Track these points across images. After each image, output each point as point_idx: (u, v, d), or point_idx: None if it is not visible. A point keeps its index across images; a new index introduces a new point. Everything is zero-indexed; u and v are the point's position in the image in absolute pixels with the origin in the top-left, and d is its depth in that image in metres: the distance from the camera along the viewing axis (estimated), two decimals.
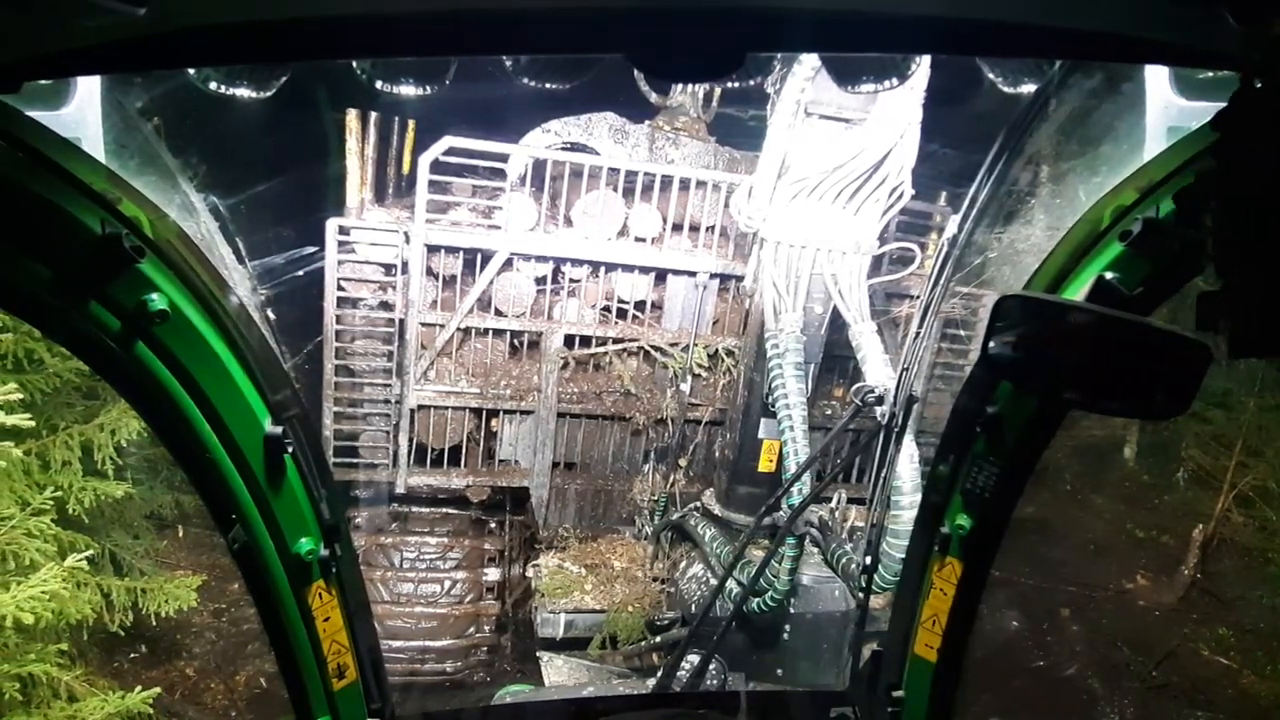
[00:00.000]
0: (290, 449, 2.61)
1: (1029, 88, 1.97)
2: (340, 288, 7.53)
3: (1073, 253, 2.39)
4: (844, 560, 5.86)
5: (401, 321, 7.66)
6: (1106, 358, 2.05)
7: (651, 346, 8.21)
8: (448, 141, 7.05)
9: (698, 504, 7.98)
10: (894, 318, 7.91)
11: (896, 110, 5.87)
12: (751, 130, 7.73)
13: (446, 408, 8.00)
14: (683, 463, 8.48)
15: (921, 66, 4.39)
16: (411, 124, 8.07)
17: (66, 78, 1.92)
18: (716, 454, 8.29)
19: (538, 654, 7.83)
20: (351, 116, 7.29)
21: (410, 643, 8.46)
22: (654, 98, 8.02)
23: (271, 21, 1.47)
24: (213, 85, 1.76)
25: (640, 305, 8.13)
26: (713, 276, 8.01)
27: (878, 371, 6.16)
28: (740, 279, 7.84)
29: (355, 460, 8.03)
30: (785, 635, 6.76)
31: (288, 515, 2.68)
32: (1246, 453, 12.02)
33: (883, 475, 3.26)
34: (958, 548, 2.93)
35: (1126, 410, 2.38)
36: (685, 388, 8.21)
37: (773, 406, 6.61)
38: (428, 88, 1.87)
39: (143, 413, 2.47)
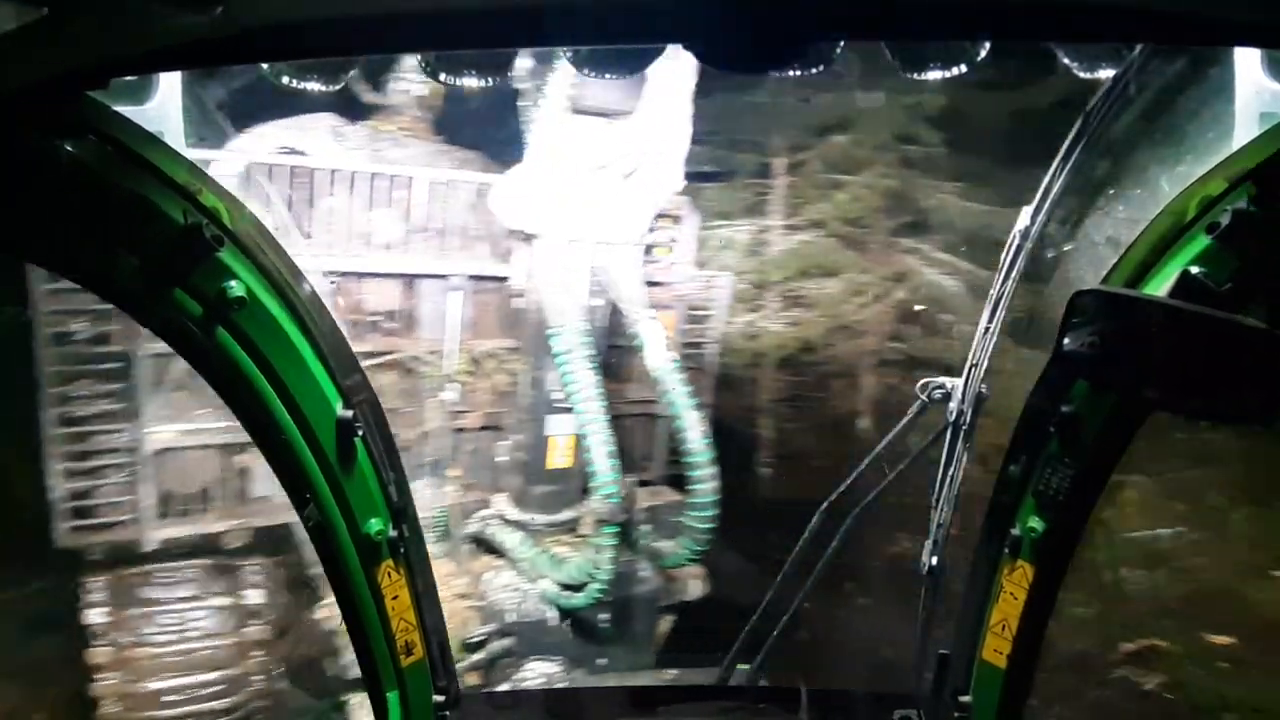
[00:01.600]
0: (361, 432, 2.70)
1: (1107, 73, 1.88)
2: (48, 323, 6.38)
3: (1155, 246, 2.28)
4: (643, 541, 5.83)
5: (127, 354, 6.69)
6: (1192, 356, 1.96)
7: (409, 357, 7.62)
8: None
9: (491, 512, 7.73)
10: (654, 304, 7.63)
11: (663, 103, 5.89)
12: (483, 127, 7.45)
13: (191, 447, 7.07)
14: (453, 473, 7.98)
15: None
16: None
17: (149, 74, 2.02)
18: (505, 458, 7.93)
19: (341, 699, 7.28)
20: None
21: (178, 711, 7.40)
22: (367, 97, 7.51)
23: (340, 17, 1.52)
24: (284, 80, 1.83)
25: (391, 314, 7.58)
26: (470, 278, 7.60)
27: (659, 358, 6.26)
28: (504, 279, 7.53)
29: (91, 521, 6.84)
30: (604, 622, 6.84)
31: (358, 496, 2.77)
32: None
33: (949, 474, 3.18)
34: (1029, 551, 2.83)
35: (1214, 412, 2.27)
36: (450, 396, 7.74)
37: (568, 402, 6.63)
38: (489, 80, 1.90)
39: (223, 395, 2.59)
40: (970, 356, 3.10)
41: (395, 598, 2.97)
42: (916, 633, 3.39)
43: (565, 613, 7.09)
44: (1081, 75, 1.82)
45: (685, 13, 1.52)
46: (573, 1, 1.49)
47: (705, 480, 6.46)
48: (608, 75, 1.97)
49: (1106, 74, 1.91)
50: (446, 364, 7.71)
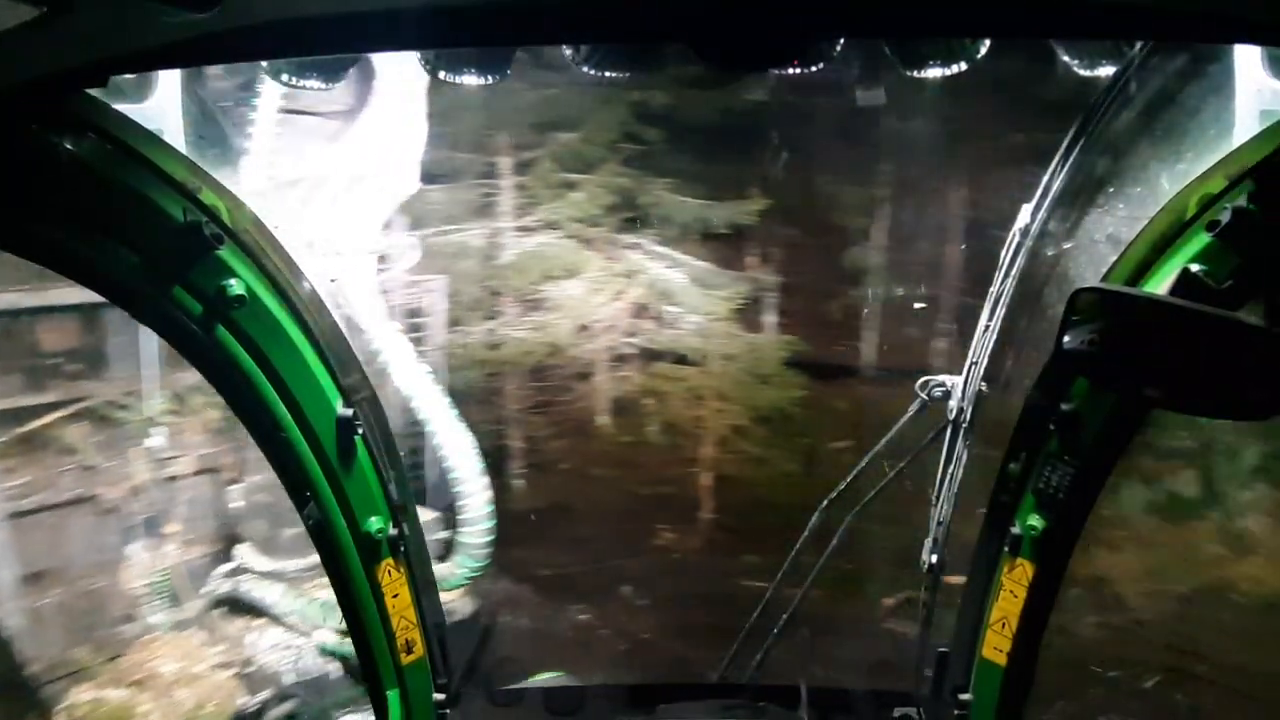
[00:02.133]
0: (361, 431, 2.70)
1: (1107, 70, 1.88)
2: None
3: (1155, 243, 2.28)
4: None
5: None
6: (1192, 354, 1.95)
7: (102, 403, 6.69)
8: None
9: (234, 565, 7.07)
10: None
11: (393, 104, 5.66)
12: (160, 128, 7.14)
13: None
14: (171, 529, 7.17)
15: None
16: None
17: (148, 72, 2.02)
18: (239, 504, 7.23)
19: None
20: None
21: None
22: None
23: (338, 15, 1.51)
24: (284, 78, 1.83)
25: (72, 354, 6.61)
26: None
27: (406, 375, 5.97)
28: None
29: None
30: None
31: (358, 494, 2.78)
32: None
33: (950, 472, 3.18)
34: (1029, 549, 2.83)
35: (1215, 410, 2.27)
36: (156, 442, 6.97)
37: None
38: (490, 77, 1.90)
39: (223, 393, 2.59)
40: (970, 355, 3.10)
41: (395, 596, 2.98)
42: (917, 630, 3.38)
43: (349, 662, 6.62)
44: (1081, 73, 1.82)
45: (685, 12, 1.51)
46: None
47: (477, 494, 6.27)
48: (608, 73, 1.98)
49: (1106, 72, 1.90)
50: (147, 405, 6.81)
